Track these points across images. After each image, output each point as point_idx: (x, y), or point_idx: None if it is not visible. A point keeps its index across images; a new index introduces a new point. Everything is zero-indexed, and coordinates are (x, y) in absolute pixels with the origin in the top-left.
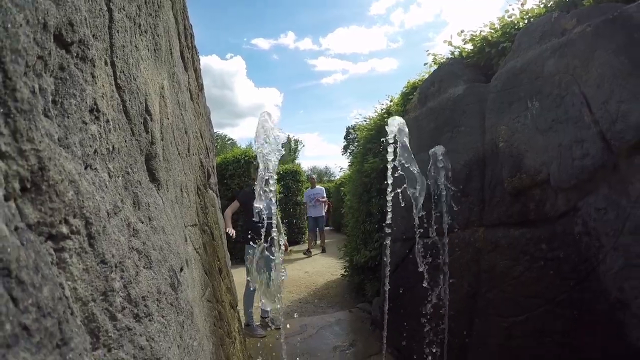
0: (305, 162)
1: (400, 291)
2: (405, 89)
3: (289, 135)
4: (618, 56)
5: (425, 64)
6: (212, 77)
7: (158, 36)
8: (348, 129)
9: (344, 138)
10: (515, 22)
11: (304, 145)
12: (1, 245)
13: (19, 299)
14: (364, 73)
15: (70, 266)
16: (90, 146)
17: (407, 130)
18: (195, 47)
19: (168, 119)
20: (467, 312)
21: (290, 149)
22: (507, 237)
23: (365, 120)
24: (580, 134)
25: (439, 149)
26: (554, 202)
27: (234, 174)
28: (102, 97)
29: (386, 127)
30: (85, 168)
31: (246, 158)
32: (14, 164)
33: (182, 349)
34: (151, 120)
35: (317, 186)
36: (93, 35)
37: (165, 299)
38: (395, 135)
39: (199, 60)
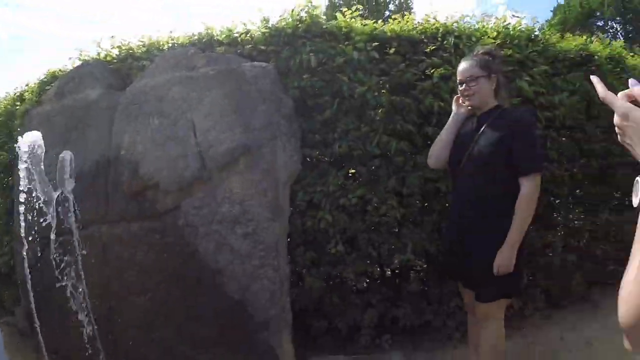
0: None
1: (43, 293)
2: (45, 77)
3: None
4: (224, 99)
5: (70, 58)
6: None
7: None
8: None
9: None
10: (162, 43)
11: None
12: None
13: None
14: None
15: None
16: None
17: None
18: None
19: None
20: (107, 300)
21: None
22: (128, 231)
23: None
24: (186, 151)
25: (66, 153)
26: (163, 201)
27: None
28: None
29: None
30: None
31: None
32: None
33: None
34: None
35: None
36: None
37: None
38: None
39: None
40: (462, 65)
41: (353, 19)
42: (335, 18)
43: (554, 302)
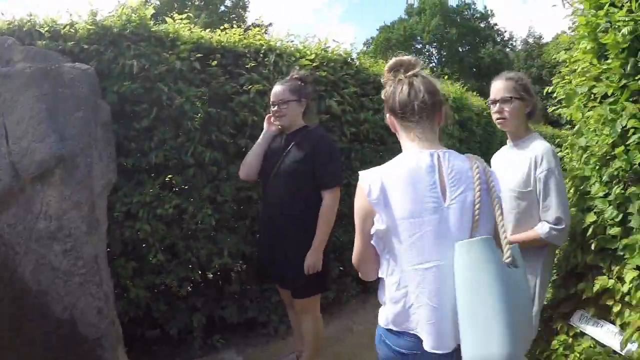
0: None
1: None
2: None
3: None
4: (40, 102)
5: None
6: None
7: None
8: None
9: None
10: None
11: None
12: None
13: None
14: None
15: None
16: None
17: None
18: None
19: None
20: None
21: None
22: None
23: None
24: None
25: None
26: None
27: None
28: None
29: None
30: None
31: None
32: None
33: None
34: None
35: None
36: None
37: None
38: None
39: None
40: (276, 88)
41: (182, 26)
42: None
43: (368, 287)
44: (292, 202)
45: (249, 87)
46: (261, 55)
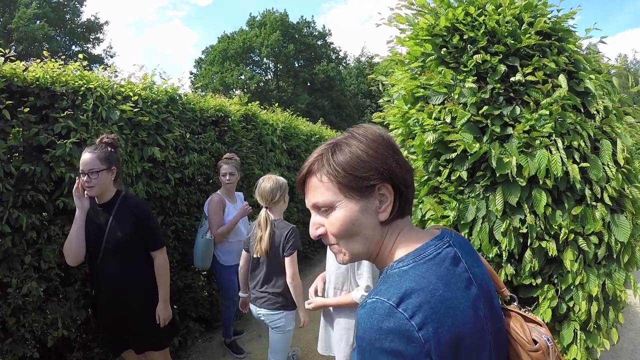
0: None
1: None
2: None
3: None
4: None
5: None
6: None
7: None
8: None
9: None
10: None
11: None
12: None
13: None
14: None
15: None
16: None
17: None
18: None
19: None
20: None
21: None
22: None
23: None
24: None
25: None
26: None
27: None
28: None
29: None
30: None
31: None
32: None
33: None
34: None
35: None
36: None
37: None
38: None
39: None
40: (85, 156)
41: None
42: None
43: (212, 325)
44: (127, 269)
45: (64, 141)
46: (80, 96)
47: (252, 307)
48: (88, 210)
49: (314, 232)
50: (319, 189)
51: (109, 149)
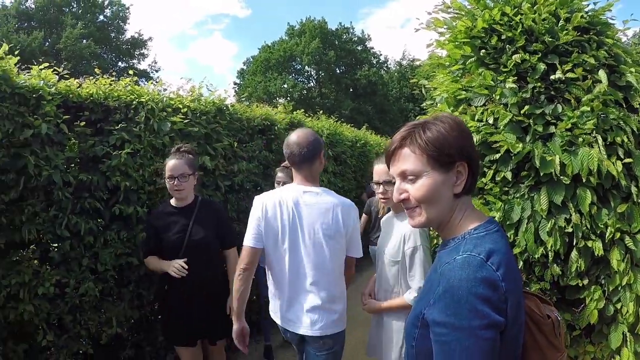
0: None
1: None
2: None
3: None
4: None
5: None
6: None
7: None
8: None
9: None
10: None
11: None
12: None
13: None
14: None
15: None
16: None
17: None
18: None
19: None
20: None
21: None
22: None
23: None
24: None
25: None
26: None
27: None
28: None
29: None
30: None
31: None
32: None
33: None
34: None
35: None
36: None
37: None
38: None
39: None
40: (174, 162)
41: (45, 77)
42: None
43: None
44: (209, 269)
45: (119, 152)
46: (132, 110)
47: None
48: (164, 213)
49: (397, 196)
50: (410, 159)
51: (192, 156)
